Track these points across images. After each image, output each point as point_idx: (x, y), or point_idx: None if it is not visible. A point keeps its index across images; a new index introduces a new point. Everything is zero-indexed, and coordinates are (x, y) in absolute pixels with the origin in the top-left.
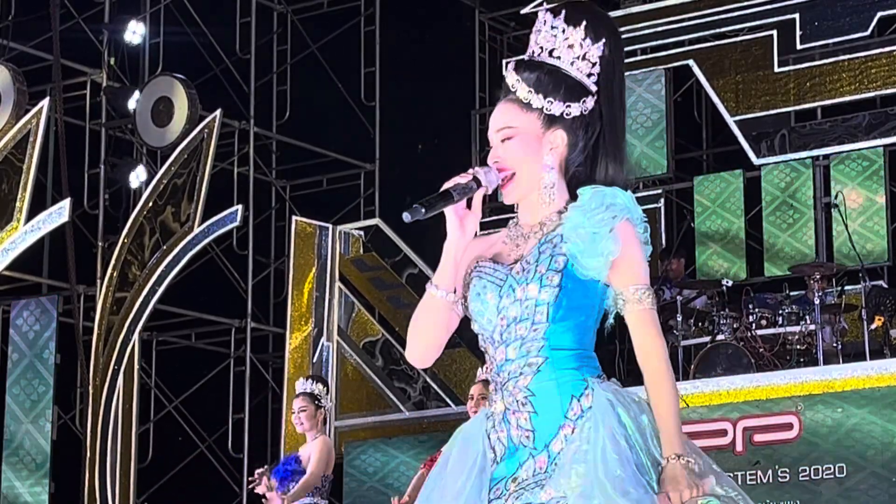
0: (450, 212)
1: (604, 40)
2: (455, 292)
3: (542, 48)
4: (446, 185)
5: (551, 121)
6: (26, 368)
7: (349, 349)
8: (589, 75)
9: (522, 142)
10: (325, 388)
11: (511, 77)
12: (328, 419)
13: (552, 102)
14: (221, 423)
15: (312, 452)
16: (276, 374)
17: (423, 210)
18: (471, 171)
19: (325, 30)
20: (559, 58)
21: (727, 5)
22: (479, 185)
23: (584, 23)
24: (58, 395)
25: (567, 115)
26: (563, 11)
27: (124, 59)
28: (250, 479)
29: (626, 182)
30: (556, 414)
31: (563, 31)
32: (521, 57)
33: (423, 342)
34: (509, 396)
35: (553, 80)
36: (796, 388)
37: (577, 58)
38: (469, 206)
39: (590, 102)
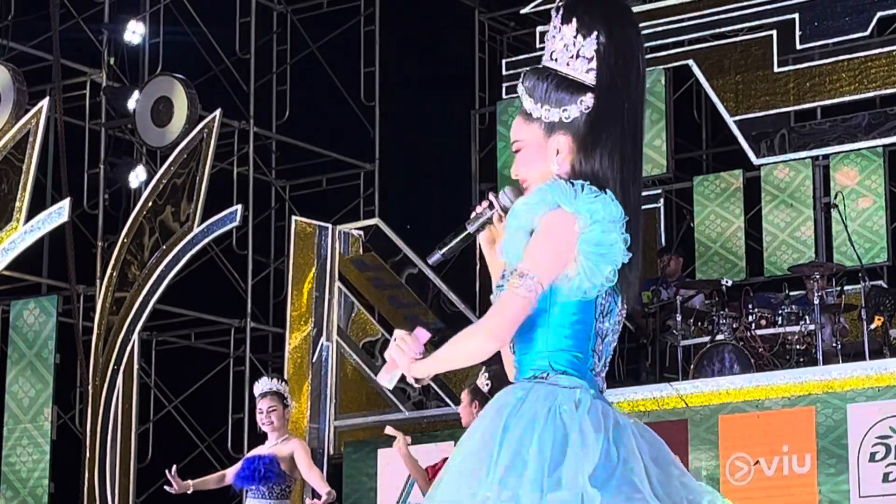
0: (480, 239)
1: (595, 33)
2: None
3: (548, 52)
4: (471, 217)
5: (552, 127)
6: (26, 368)
7: (349, 349)
8: (588, 71)
9: (527, 153)
10: (288, 387)
11: (519, 88)
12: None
13: (549, 110)
14: (221, 422)
15: (299, 455)
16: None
17: (441, 252)
18: (489, 196)
19: (325, 30)
20: (556, 59)
21: (727, 5)
22: (493, 208)
23: (575, 19)
24: (57, 395)
25: (566, 118)
26: (561, 10)
27: (124, 59)
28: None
29: (615, 176)
30: None
31: (560, 30)
32: (529, 67)
33: (505, 361)
34: None
35: (550, 86)
36: (796, 388)
37: (572, 57)
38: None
39: (589, 99)
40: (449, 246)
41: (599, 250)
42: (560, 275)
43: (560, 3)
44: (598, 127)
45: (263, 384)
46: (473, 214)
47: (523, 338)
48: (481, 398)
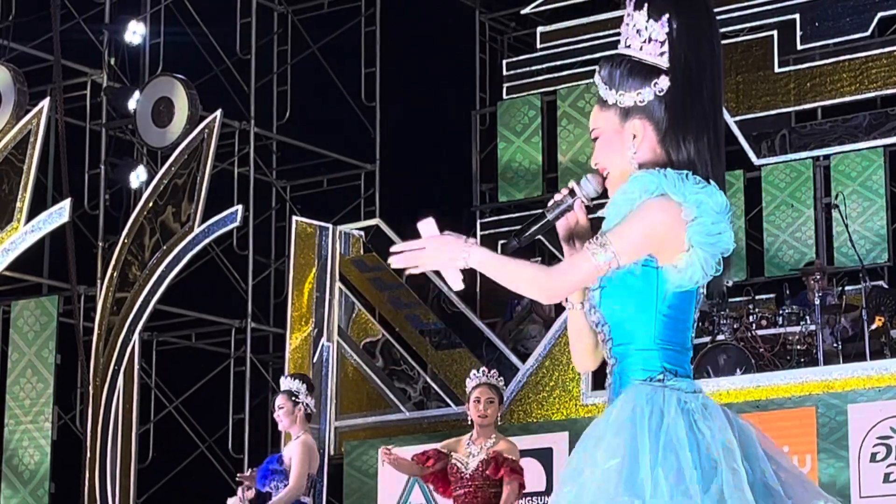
0: (557, 227)
1: (667, 16)
2: (583, 302)
3: (622, 39)
4: (549, 205)
5: (627, 112)
6: (26, 368)
7: (349, 349)
8: (661, 54)
9: (604, 140)
10: (306, 385)
11: (595, 77)
12: (313, 415)
13: (623, 94)
14: (221, 423)
15: (293, 455)
16: (276, 375)
17: (517, 239)
18: (571, 184)
19: (326, 30)
20: (629, 46)
21: (727, 5)
22: (574, 196)
23: (646, 4)
24: (58, 396)
25: (640, 102)
26: None
27: (125, 60)
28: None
29: (705, 160)
30: None
31: (633, 17)
32: (605, 56)
33: (575, 350)
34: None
35: (624, 71)
36: (797, 388)
37: (644, 41)
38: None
39: (663, 82)
40: (526, 234)
41: (710, 240)
42: (668, 264)
43: None
44: (678, 111)
45: (280, 383)
46: (552, 202)
47: (625, 326)
48: (500, 396)
